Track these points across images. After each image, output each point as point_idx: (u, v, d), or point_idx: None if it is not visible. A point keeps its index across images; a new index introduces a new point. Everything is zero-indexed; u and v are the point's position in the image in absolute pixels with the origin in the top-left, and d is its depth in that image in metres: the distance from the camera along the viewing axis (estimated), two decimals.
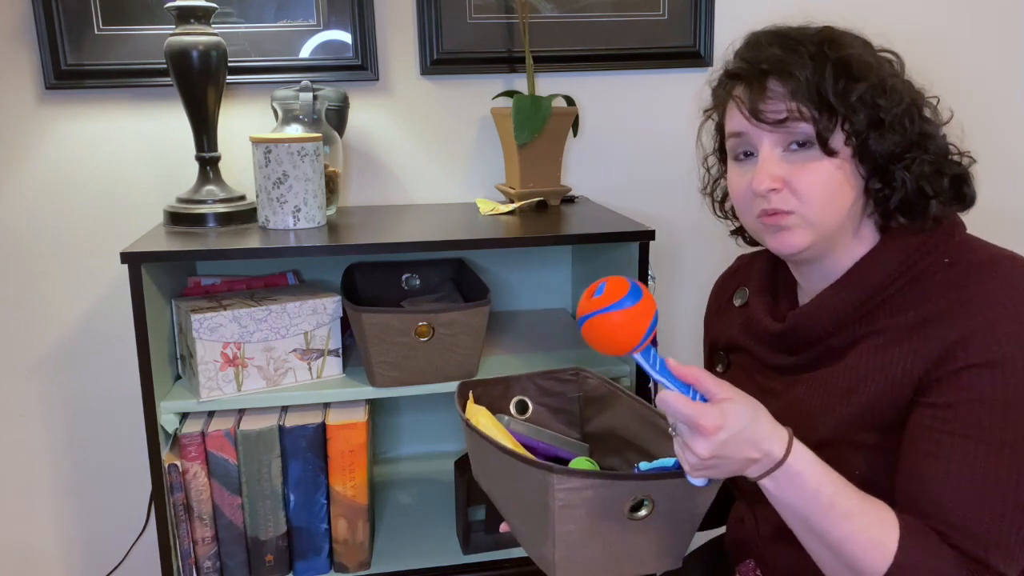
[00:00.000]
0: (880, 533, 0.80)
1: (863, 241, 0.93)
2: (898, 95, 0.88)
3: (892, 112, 0.87)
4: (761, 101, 0.88)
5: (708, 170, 1.08)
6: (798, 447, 0.81)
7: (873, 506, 0.82)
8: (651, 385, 1.41)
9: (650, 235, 1.32)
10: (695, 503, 0.90)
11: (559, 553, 0.87)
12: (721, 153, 1.04)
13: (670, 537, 0.91)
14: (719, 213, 1.09)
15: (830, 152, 0.87)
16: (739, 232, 1.09)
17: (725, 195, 1.07)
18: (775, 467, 0.80)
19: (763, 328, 1.01)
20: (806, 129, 0.87)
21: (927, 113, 0.91)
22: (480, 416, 1.02)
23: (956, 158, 0.92)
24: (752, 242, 1.08)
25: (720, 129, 1.01)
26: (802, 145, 0.88)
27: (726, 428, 0.78)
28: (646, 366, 0.84)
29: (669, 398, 0.79)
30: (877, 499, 0.83)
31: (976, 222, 0.97)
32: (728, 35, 1.69)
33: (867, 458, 0.89)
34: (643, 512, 0.87)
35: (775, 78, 0.88)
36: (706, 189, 1.09)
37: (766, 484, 0.82)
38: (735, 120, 0.92)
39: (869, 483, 0.87)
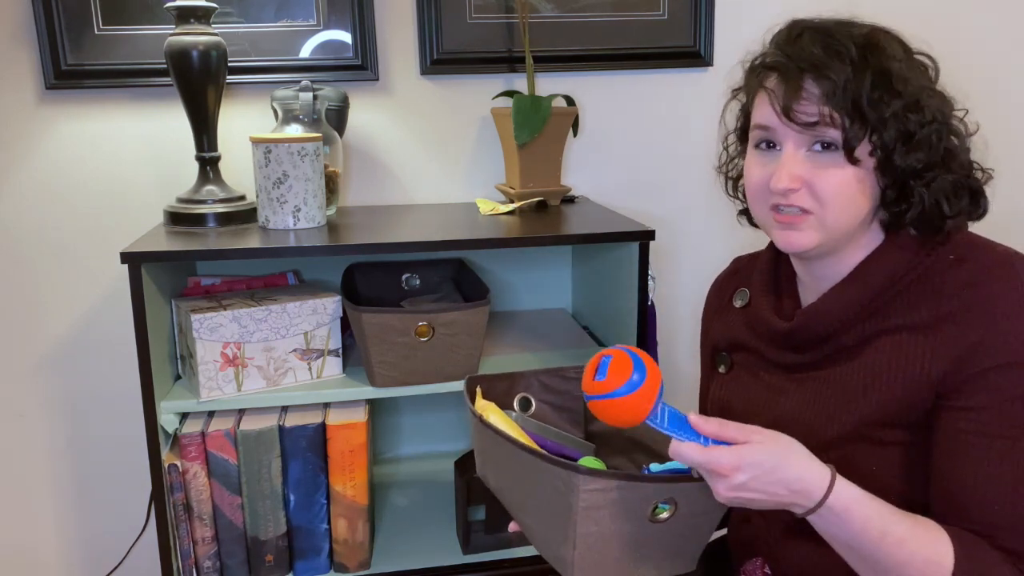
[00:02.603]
0: (935, 553, 0.81)
1: (869, 240, 0.94)
2: (931, 111, 0.88)
3: (923, 129, 0.87)
4: (795, 100, 0.87)
5: (727, 148, 1.07)
6: (840, 485, 0.81)
7: (923, 527, 0.83)
8: None
9: (650, 235, 1.32)
10: (716, 507, 0.90)
11: (578, 554, 0.86)
12: (741, 133, 1.03)
13: (687, 540, 0.91)
14: (730, 192, 1.09)
15: (854, 160, 0.87)
16: (745, 213, 1.08)
17: (740, 175, 1.06)
18: (816, 507, 0.81)
19: (770, 327, 1.01)
20: (834, 135, 0.86)
21: (955, 124, 0.91)
22: (490, 412, 1.01)
23: (977, 174, 0.92)
24: (757, 224, 1.08)
25: (745, 111, 1.00)
26: (826, 147, 0.88)
27: (743, 469, 0.79)
28: (655, 427, 0.84)
29: (681, 449, 0.81)
30: (923, 517, 0.84)
31: (990, 225, 0.97)
32: (728, 35, 1.69)
33: (882, 455, 0.90)
34: (664, 515, 0.87)
35: (812, 78, 0.86)
36: (721, 167, 1.09)
37: (811, 519, 0.83)
38: (763, 112, 0.91)
39: (882, 479, 0.87)
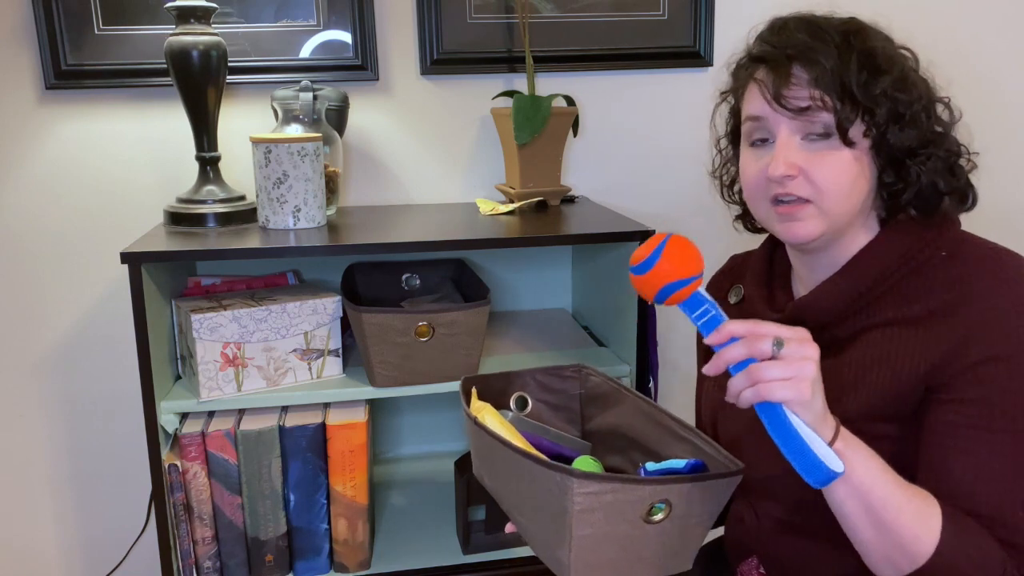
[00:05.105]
0: (925, 519, 0.82)
1: (865, 232, 0.94)
2: (917, 90, 0.89)
3: (912, 107, 0.88)
4: (785, 86, 0.87)
5: (720, 152, 1.08)
6: (844, 432, 0.82)
7: (916, 492, 0.83)
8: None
9: (650, 235, 1.31)
10: (711, 506, 0.90)
11: (575, 556, 0.86)
12: (733, 137, 1.03)
13: (683, 540, 0.91)
14: (726, 197, 1.09)
15: (849, 143, 0.87)
16: (743, 217, 1.09)
17: (734, 179, 1.07)
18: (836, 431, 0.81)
19: (762, 319, 1.01)
20: (826, 119, 0.87)
21: (940, 111, 0.92)
22: (485, 413, 1.01)
23: (963, 161, 0.93)
24: (755, 229, 1.08)
25: (735, 112, 1.01)
26: (820, 136, 0.88)
27: (817, 354, 0.79)
28: (688, 316, 0.86)
29: (758, 326, 0.80)
30: (918, 487, 0.84)
31: (979, 220, 0.97)
32: (728, 35, 1.70)
33: (873, 448, 0.90)
34: (660, 516, 0.87)
35: (800, 64, 0.87)
36: (715, 172, 1.09)
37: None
38: (754, 104, 0.92)
39: None
